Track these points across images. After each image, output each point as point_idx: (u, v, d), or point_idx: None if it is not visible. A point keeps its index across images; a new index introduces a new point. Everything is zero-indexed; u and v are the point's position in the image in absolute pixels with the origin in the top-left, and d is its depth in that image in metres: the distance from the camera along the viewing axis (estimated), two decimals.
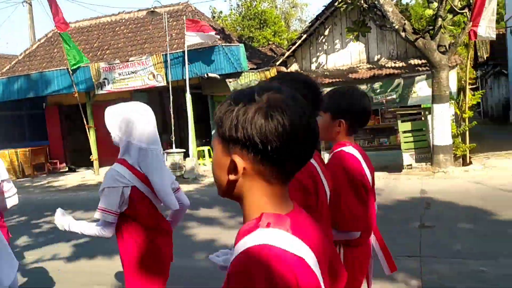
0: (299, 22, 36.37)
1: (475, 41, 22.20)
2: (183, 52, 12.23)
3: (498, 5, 26.75)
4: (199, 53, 12.42)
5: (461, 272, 4.23)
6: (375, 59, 12.90)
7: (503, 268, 3.32)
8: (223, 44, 12.48)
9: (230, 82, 12.29)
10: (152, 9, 13.41)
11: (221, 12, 30.82)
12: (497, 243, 4.94)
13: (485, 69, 23.46)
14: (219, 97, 13.61)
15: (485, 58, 22.62)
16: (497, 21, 27.02)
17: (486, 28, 9.26)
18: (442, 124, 9.92)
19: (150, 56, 12.70)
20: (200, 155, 13.67)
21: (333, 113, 2.05)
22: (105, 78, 13.11)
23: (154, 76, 12.48)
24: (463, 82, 28.07)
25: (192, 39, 11.83)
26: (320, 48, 13.54)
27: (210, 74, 12.24)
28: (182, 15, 14.38)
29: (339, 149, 2.06)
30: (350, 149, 2.05)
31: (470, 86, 32.59)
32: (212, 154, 13.96)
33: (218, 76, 12.36)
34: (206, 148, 13.78)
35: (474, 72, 27.22)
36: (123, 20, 16.14)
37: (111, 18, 16.50)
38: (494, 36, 9.90)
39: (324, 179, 1.76)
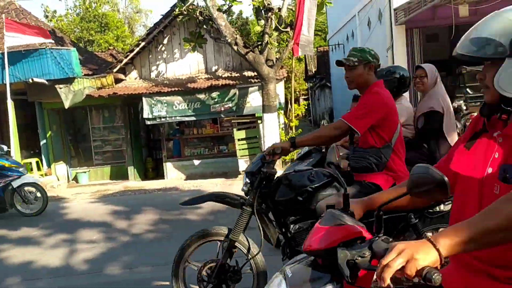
0: (144, 28, 35.66)
1: (305, 56, 24.64)
2: (2, 54, 10.95)
3: (324, 24, 29.88)
4: (22, 56, 11.23)
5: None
6: (213, 70, 13.36)
7: None
8: (51, 47, 11.53)
9: (60, 88, 11.39)
10: None
11: (55, 11, 28.45)
12: None
13: (313, 82, 26.19)
14: (48, 104, 12.52)
15: (313, 72, 25.26)
16: (324, 39, 30.49)
17: (303, 46, 10.35)
18: (271, 132, 10.75)
19: None
20: (27, 168, 12.31)
21: None
22: None
23: None
24: (297, 92, 30.79)
25: (13, 40, 10.69)
26: (159, 57, 13.48)
27: (35, 79, 11.17)
28: (4, 12, 12.87)
29: None
30: None
31: (303, 97, 35.80)
32: (41, 166, 12.78)
33: (46, 82, 11.36)
34: (34, 160, 12.48)
35: (306, 84, 30.23)
36: None
37: None
38: (311, 53, 11.16)
39: None
